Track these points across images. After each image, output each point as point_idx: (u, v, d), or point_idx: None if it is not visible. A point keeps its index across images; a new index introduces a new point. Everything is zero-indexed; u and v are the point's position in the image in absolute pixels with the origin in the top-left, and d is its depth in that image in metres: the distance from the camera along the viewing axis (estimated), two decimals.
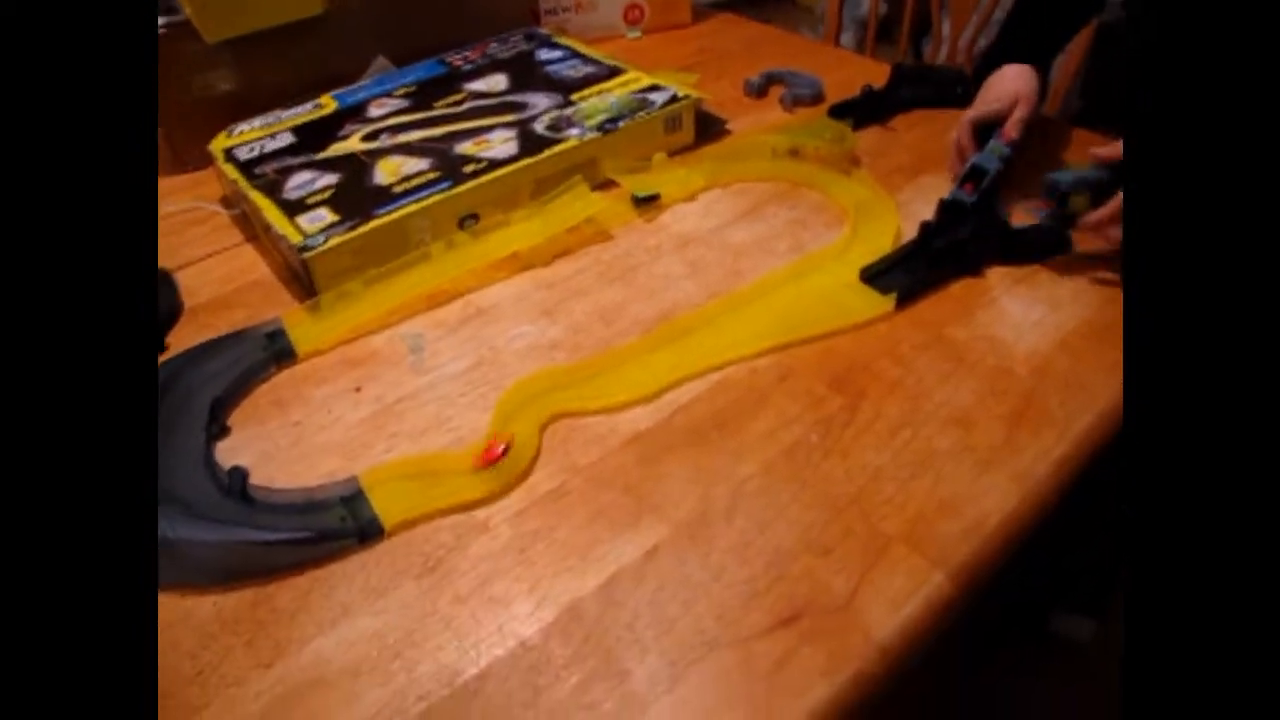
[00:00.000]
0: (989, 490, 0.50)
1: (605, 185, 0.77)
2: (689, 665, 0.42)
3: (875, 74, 0.94)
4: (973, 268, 0.67)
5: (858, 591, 0.45)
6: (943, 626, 0.45)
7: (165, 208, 0.80)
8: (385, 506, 0.50)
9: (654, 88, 0.82)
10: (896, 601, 0.45)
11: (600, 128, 0.75)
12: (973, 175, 0.70)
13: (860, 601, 0.45)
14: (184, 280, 0.71)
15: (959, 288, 0.65)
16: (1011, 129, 0.73)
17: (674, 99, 0.79)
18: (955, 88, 0.88)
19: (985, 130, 0.75)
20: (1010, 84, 0.76)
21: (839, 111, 0.85)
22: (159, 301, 0.67)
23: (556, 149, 0.73)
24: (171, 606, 0.47)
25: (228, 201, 0.81)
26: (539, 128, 0.76)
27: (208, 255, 0.75)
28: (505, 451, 0.52)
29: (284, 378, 0.62)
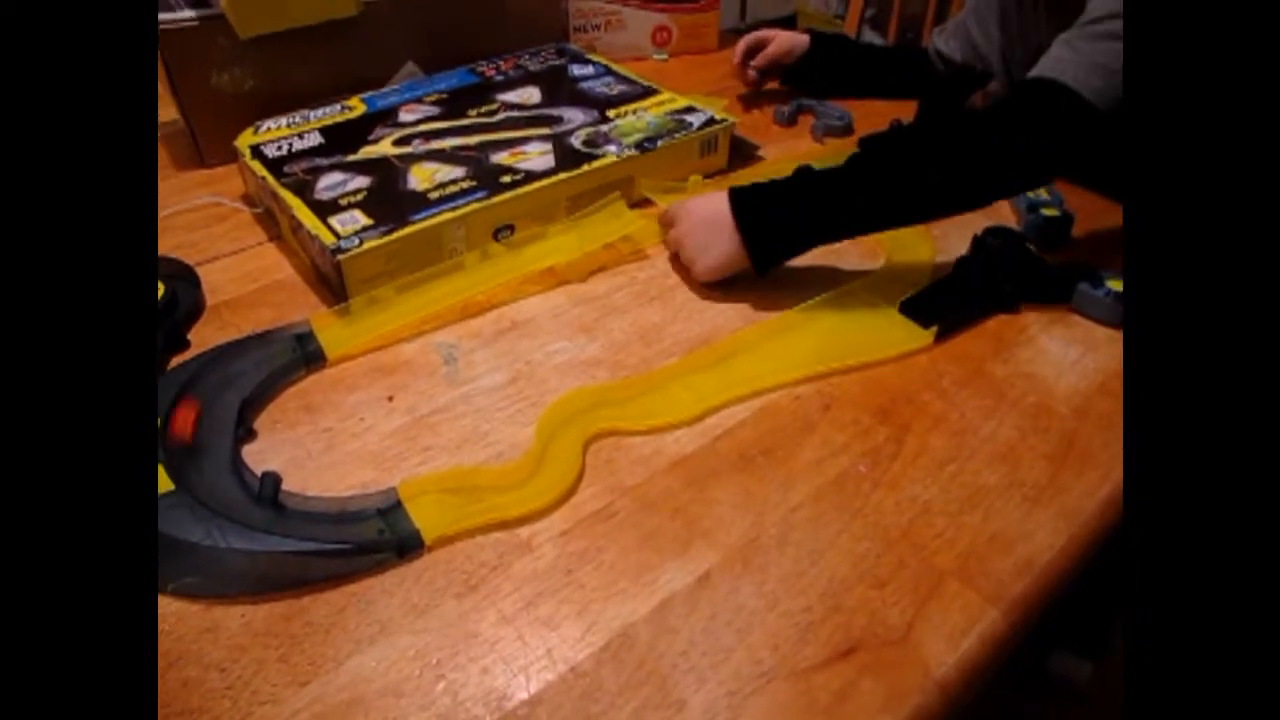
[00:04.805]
0: (1038, 528, 0.50)
1: (640, 204, 0.77)
2: (747, 697, 0.41)
3: (900, 109, 0.95)
4: (1009, 305, 0.67)
5: (914, 625, 0.44)
6: (998, 664, 0.45)
7: (186, 202, 0.78)
8: (425, 520, 0.48)
9: (690, 109, 0.82)
10: (953, 637, 0.44)
11: (638, 146, 0.75)
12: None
13: (917, 635, 0.44)
14: (206, 277, 0.69)
15: (995, 324, 0.65)
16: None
17: (711, 122, 0.79)
18: None
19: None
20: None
21: (869, 145, 0.85)
22: (182, 297, 0.65)
23: (594, 165, 0.72)
24: (197, 617, 0.45)
25: (249, 199, 0.80)
26: (575, 142, 0.76)
27: (230, 253, 0.73)
28: None
29: (313, 382, 0.60)
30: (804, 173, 0.65)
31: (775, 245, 0.65)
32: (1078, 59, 0.61)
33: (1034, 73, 0.63)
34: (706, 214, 0.66)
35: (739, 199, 0.65)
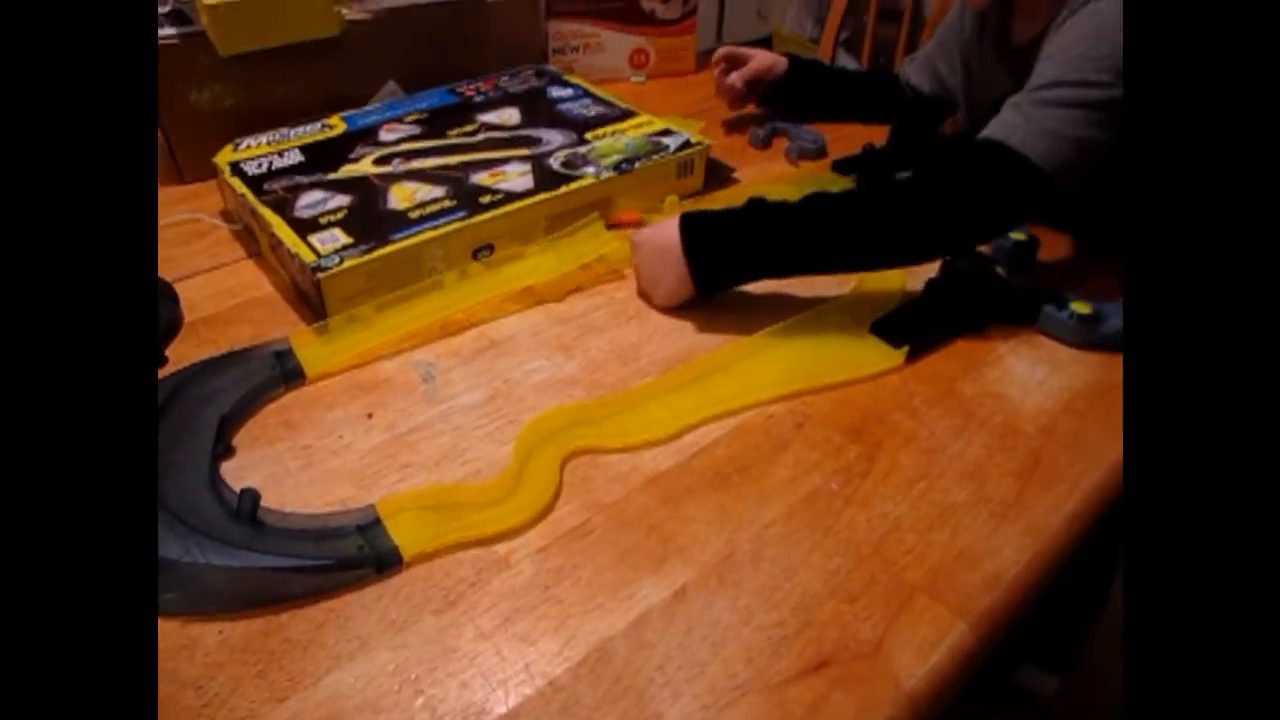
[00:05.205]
0: (1005, 543, 0.51)
1: (618, 224, 0.78)
2: (722, 710, 0.42)
3: (873, 133, 0.97)
4: (978, 326, 0.68)
5: (884, 639, 0.46)
6: (966, 676, 0.46)
7: (164, 218, 0.78)
8: (404, 536, 0.49)
9: (667, 132, 0.83)
10: (923, 650, 0.45)
11: (616, 167, 0.76)
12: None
13: (888, 649, 0.45)
14: (184, 293, 0.69)
15: (965, 345, 0.67)
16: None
17: (687, 144, 0.81)
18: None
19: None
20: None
21: (842, 167, 0.87)
22: (159, 313, 0.65)
23: (573, 186, 0.74)
24: (173, 634, 0.45)
25: (228, 216, 0.80)
26: (554, 164, 0.77)
27: (209, 269, 0.73)
28: None
29: (292, 399, 0.60)
30: (755, 205, 0.67)
31: (717, 273, 0.67)
32: (1025, 124, 0.63)
33: (984, 134, 0.65)
34: (659, 241, 0.67)
35: (687, 225, 0.66)
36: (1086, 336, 0.66)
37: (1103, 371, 0.65)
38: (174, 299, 0.68)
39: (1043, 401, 0.62)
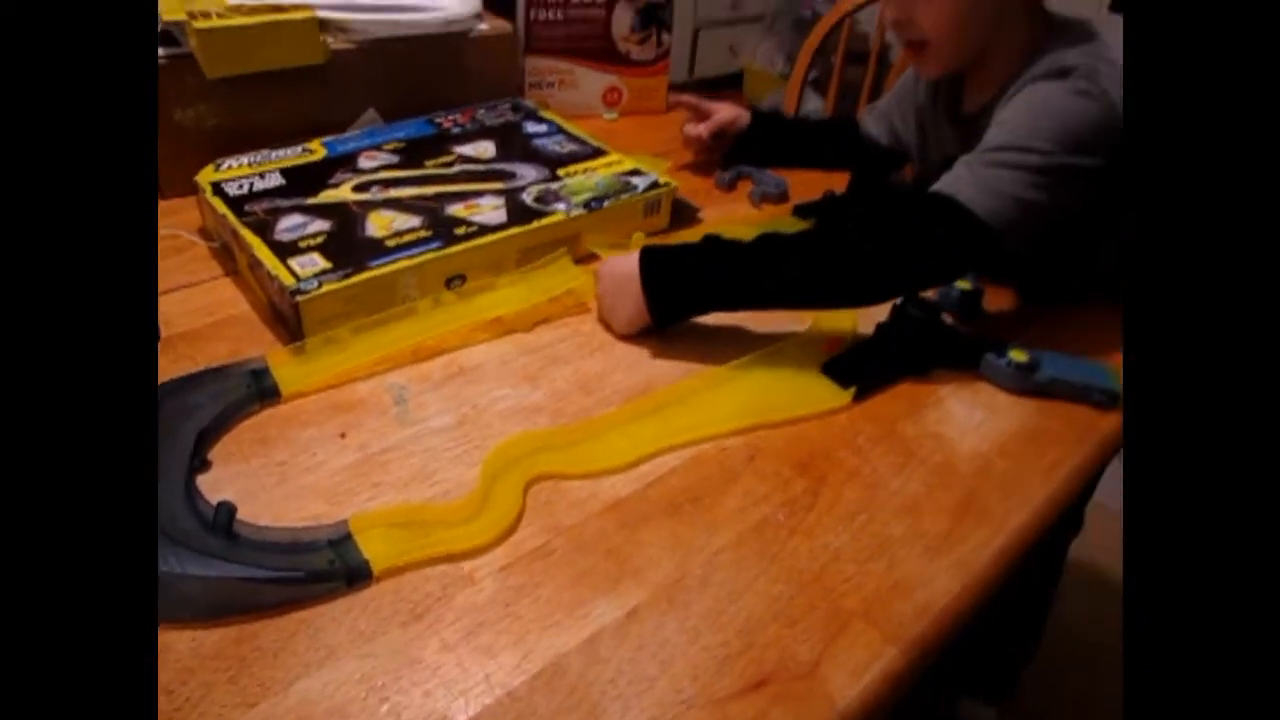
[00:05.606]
0: (937, 575, 0.55)
1: (585, 259, 0.81)
2: None
3: (833, 180, 1.02)
4: (922, 370, 0.73)
5: (821, 661, 0.49)
6: (896, 697, 0.50)
7: None
8: (374, 552, 0.51)
9: (635, 172, 0.87)
10: (857, 672, 0.49)
11: (586, 205, 0.80)
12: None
13: (823, 671, 0.48)
14: (161, 308, 0.71)
15: (909, 387, 0.71)
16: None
17: (655, 185, 0.85)
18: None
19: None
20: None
21: (803, 212, 0.92)
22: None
23: (544, 221, 0.77)
24: None
25: (206, 233, 0.82)
26: (527, 198, 0.80)
27: (186, 285, 0.75)
28: None
29: (267, 417, 0.63)
30: (710, 242, 0.71)
31: (672, 305, 0.71)
32: (975, 181, 0.69)
33: (935, 187, 0.70)
34: (620, 272, 0.72)
35: (647, 258, 0.70)
36: (1022, 383, 0.71)
37: (1037, 417, 0.69)
38: None
39: (978, 444, 0.66)
